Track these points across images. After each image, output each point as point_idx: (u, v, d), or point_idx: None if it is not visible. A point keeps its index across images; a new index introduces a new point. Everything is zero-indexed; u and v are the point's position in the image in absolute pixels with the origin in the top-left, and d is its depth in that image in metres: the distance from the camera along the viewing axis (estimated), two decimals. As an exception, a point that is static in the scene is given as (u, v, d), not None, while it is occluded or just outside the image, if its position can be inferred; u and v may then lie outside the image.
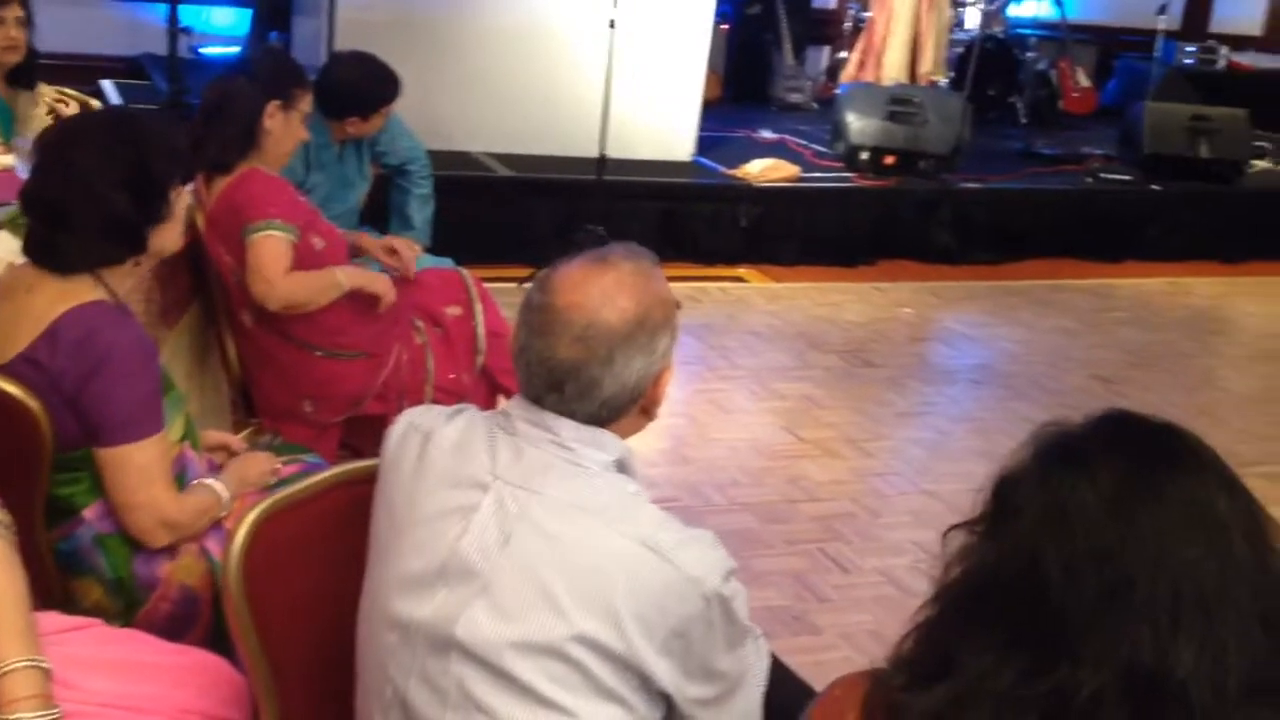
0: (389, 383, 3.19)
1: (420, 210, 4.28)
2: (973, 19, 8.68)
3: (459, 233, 4.68)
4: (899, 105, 6.77)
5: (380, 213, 4.32)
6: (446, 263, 3.79)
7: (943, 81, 8.17)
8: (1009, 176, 7.19)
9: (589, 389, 1.53)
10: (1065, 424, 1.18)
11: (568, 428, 1.54)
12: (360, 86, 3.82)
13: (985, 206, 6.83)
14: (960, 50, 8.50)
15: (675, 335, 1.60)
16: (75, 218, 1.99)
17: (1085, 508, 1.09)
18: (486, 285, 3.55)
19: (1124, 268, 6.91)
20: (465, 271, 3.57)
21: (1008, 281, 6.52)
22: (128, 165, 2.02)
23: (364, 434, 3.24)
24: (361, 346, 3.13)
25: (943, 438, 4.53)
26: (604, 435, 1.56)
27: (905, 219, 6.69)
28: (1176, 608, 1.05)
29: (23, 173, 2.97)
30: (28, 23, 3.61)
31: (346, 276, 3.04)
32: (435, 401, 3.20)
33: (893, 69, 7.94)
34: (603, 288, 1.53)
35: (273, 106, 2.97)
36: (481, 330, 3.38)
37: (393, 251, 3.38)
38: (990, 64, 8.44)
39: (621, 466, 1.58)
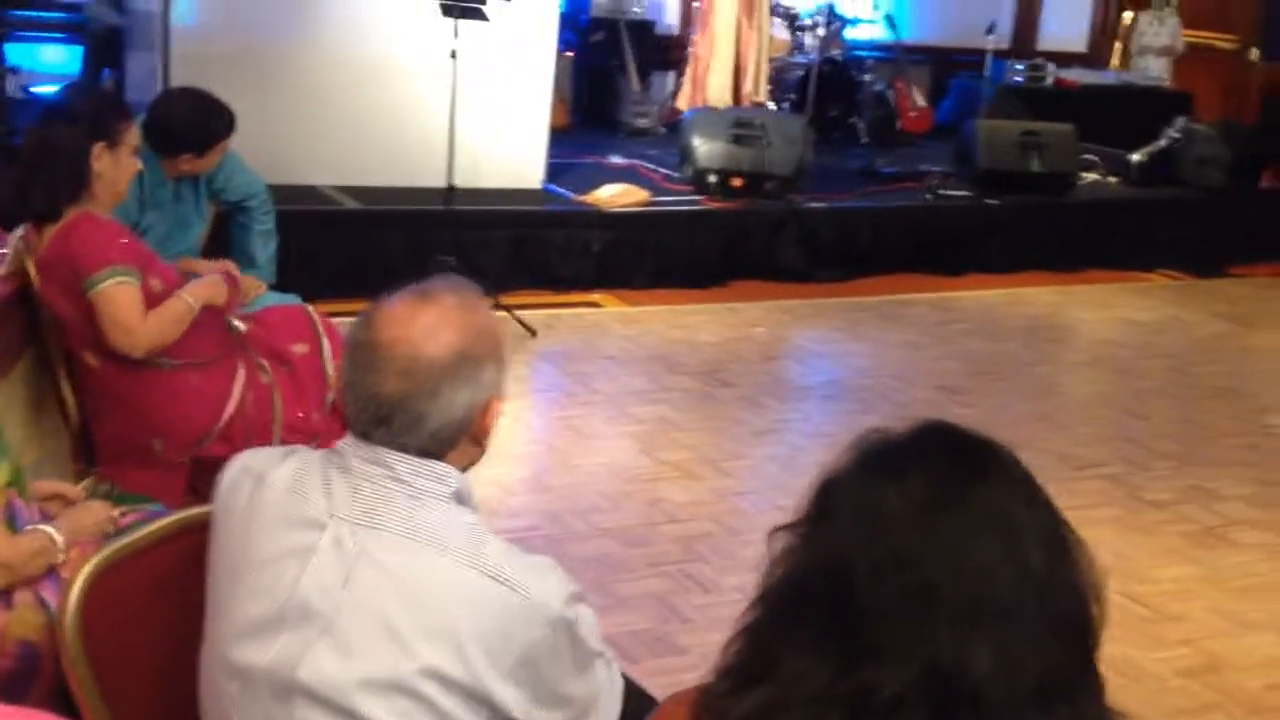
0: (234, 424, 3.12)
1: (263, 247, 4.20)
2: (811, 43, 8.91)
3: (307, 268, 4.62)
4: (742, 129, 6.90)
5: (223, 251, 4.22)
6: (292, 299, 3.73)
7: (770, 105, 8.36)
8: (852, 195, 7.39)
9: (416, 422, 1.54)
10: (887, 431, 1.22)
11: (401, 461, 1.55)
12: (194, 123, 3.74)
13: (830, 225, 6.99)
14: (800, 74, 8.71)
15: (502, 366, 1.62)
16: None
17: (894, 512, 1.13)
18: (338, 320, 3.50)
19: (965, 280, 7.15)
20: (310, 308, 3.52)
21: (855, 298, 6.68)
22: None
23: (209, 479, 3.16)
24: (203, 357, 3.07)
25: (796, 453, 4.62)
26: (438, 466, 1.57)
27: (754, 240, 6.81)
28: (974, 611, 1.09)
29: None
30: None
31: (192, 296, 3.01)
32: (284, 442, 3.15)
33: (716, 92, 8.10)
34: (426, 322, 1.55)
35: (99, 148, 2.89)
36: (330, 367, 3.33)
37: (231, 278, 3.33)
38: (830, 86, 8.67)
39: (459, 497, 1.59)
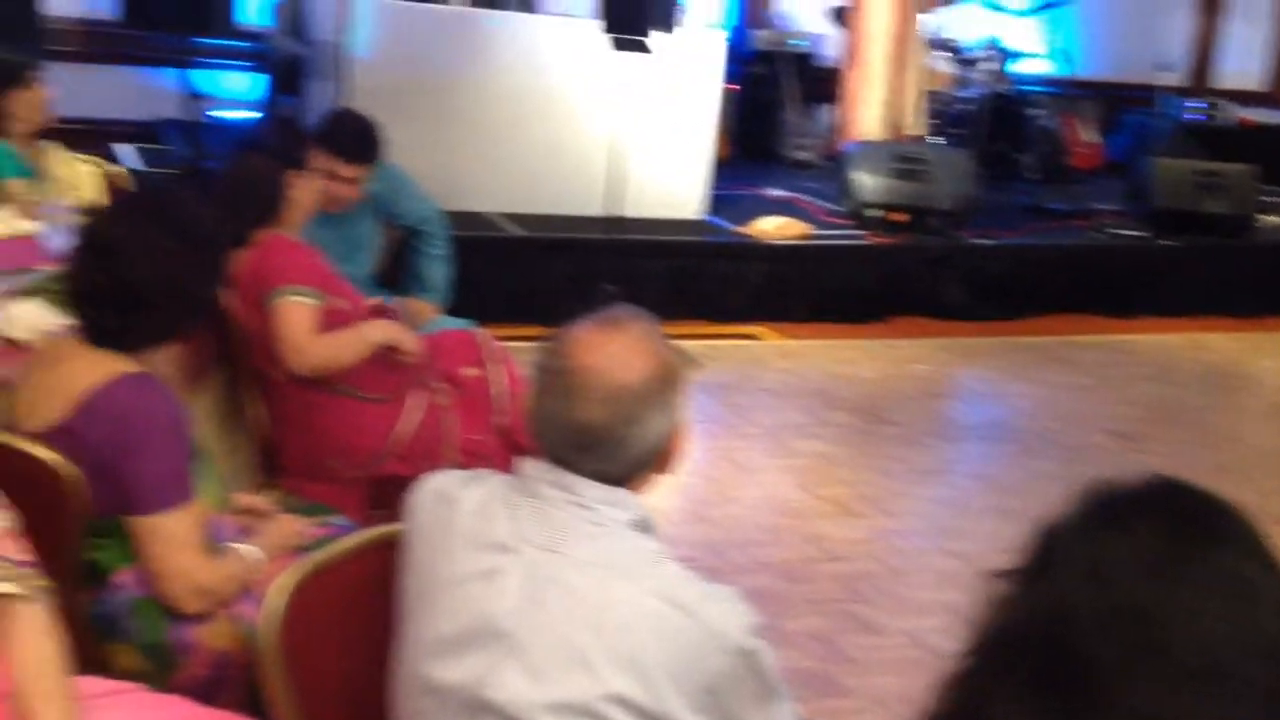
0: (411, 444, 3.19)
1: (437, 271, 4.28)
2: (976, 77, 8.77)
3: (474, 293, 4.70)
4: (906, 162, 6.81)
5: (398, 275, 4.34)
6: (464, 324, 3.80)
7: (932, 138, 8.25)
8: (1018, 232, 7.22)
9: (614, 450, 1.56)
10: (1115, 482, 1.18)
11: (588, 488, 1.57)
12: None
13: (996, 262, 6.85)
14: (965, 107, 8.58)
15: (684, 393, 1.64)
16: (162, 304, 2.03)
17: (1124, 566, 1.09)
18: (502, 345, 3.56)
19: (1137, 323, 6.91)
20: (480, 331, 3.58)
21: (1020, 338, 6.52)
22: (204, 249, 2.07)
23: (387, 496, 3.24)
24: (383, 392, 3.13)
25: (960, 495, 4.51)
26: (624, 494, 1.59)
27: (916, 275, 6.71)
28: (1201, 672, 1.05)
29: (50, 239, 3.00)
30: None
31: (375, 331, 3.07)
32: (456, 462, 3.21)
33: (870, 125, 8.02)
34: (617, 349, 1.57)
35: (291, 176, 3.01)
36: (499, 390, 3.38)
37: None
38: (995, 120, 8.51)
39: (642, 525, 1.60)
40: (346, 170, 3.70)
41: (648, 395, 1.56)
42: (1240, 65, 10.71)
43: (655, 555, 1.56)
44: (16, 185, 3.47)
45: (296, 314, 2.93)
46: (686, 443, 1.65)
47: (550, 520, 1.55)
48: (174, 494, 2.00)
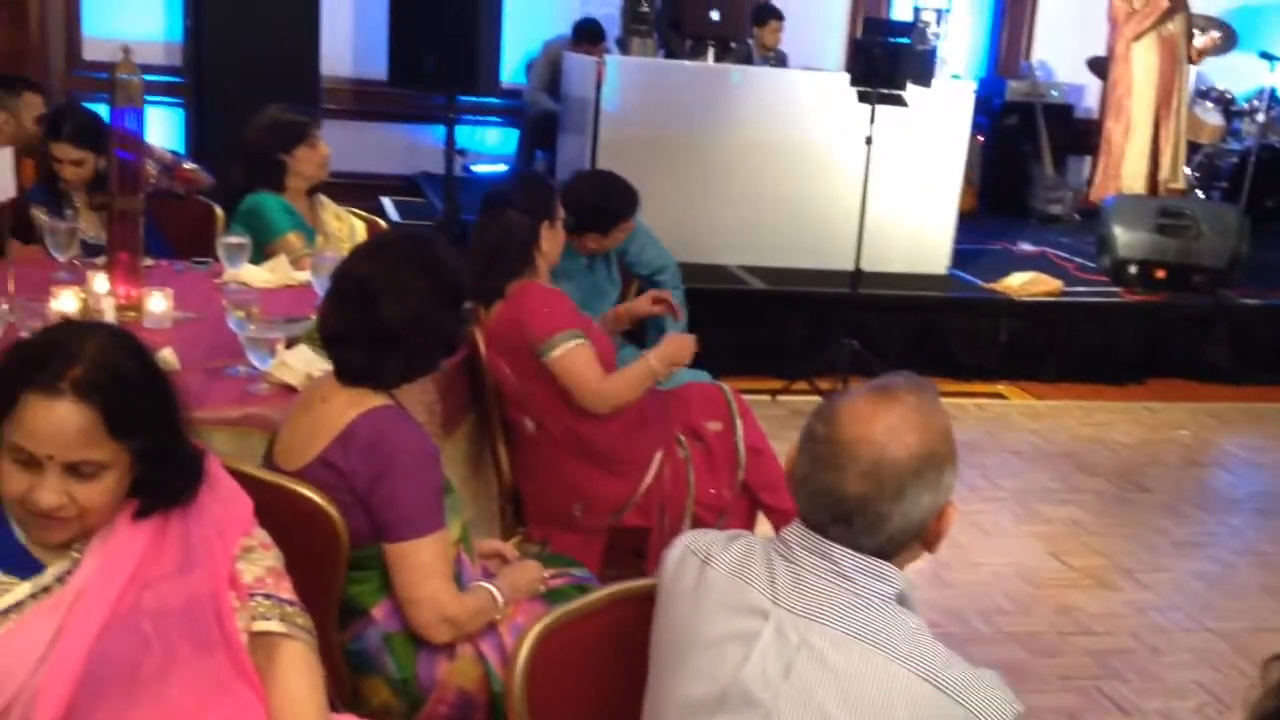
0: (650, 495, 3.20)
1: (673, 321, 4.32)
2: (1248, 128, 8.30)
3: (712, 345, 4.70)
4: (1169, 218, 6.50)
5: (635, 324, 4.39)
6: (705, 376, 3.81)
7: (1198, 193, 7.83)
8: (1292, 291, 6.78)
9: (876, 524, 1.52)
10: None
11: (849, 558, 1.53)
12: (599, 205, 3.93)
13: (1266, 323, 6.44)
14: (1234, 160, 8.13)
15: (957, 469, 1.57)
16: (410, 341, 2.11)
17: None
18: (745, 398, 3.54)
19: None
20: (726, 386, 3.58)
21: (1292, 404, 6.10)
22: (450, 289, 2.15)
23: (625, 546, 3.27)
24: (634, 460, 3.18)
25: (1226, 571, 4.23)
26: (885, 567, 1.54)
27: (1178, 336, 6.38)
28: None
29: (321, 288, 3.16)
30: None
31: (657, 360, 3.14)
32: (695, 516, 3.21)
33: (1130, 179, 7.67)
34: (889, 422, 1.52)
35: (543, 227, 3.11)
36: (742, 446, 3.36)
37: (658, 300, 3.41)
38: (1268, 174, 8.03)
39: (902, 599, 1.55)
40: (591, 240, 3.90)
41: (917, 471, 1.51)
42: None
43: (914, 631, 1.51)
44: (293, 238, 3.68)
45: (581, 356, 3.02)
46: (953, 520, 1.59)
47: (809, 588, 1.53)
48: (426, 521, 2.06)
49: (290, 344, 2.69)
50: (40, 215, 3.73)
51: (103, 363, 1.56)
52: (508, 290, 3.08)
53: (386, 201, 7.27)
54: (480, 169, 8.02)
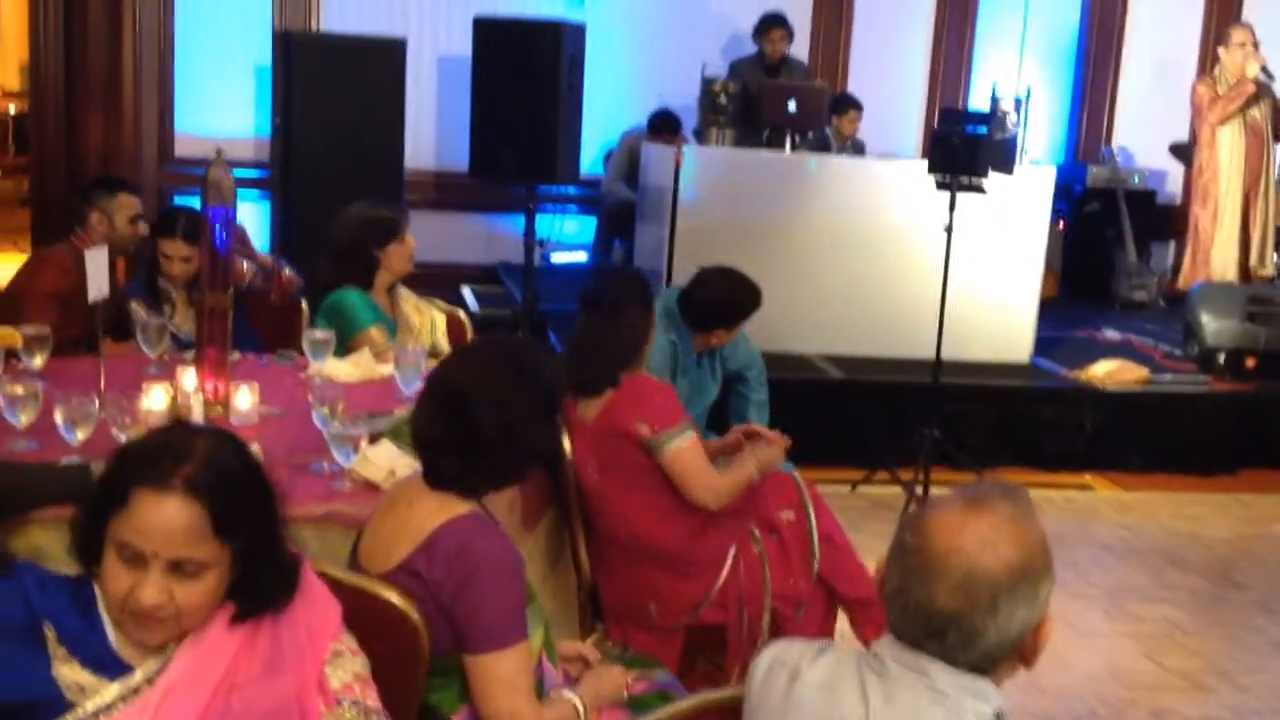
0: (726, 591, 3.16)
1: (759, 415, 4.32)
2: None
3: (791, 434, 4.66)
4: (1259, 305, 6.38)
5: (721, 418, 4.38)
6: (783, 465, 3.76)
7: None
8: (1389, 380, 6.57)
9: (971, 639, 1.47)
10: None
11: (944, 674, 1.48)
12: (732, 301, 3.94)
13: (1364, 413, 6.24)
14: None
15: (1054, 581, 1.52)
16: (502, 450, 2.10)
17: None
18: (818, 488, 3.50)
19: None
20: (797, 474, 3.54)
21: (1395, 496, 5.88)
22: (544, 398, 2.16)
23: (704, 644, 3.22)
24: (703, 559, 3.14)
25: (1331, 674, 4.06)
26: (982, 684, 1.50)
27: (1271, 425, 6.21)
28: None
29: (404, 383, 3.19)
30: None
31: (753, 464, 3.19)
32: (774, 610, 3.16)
33: (1220, 267, 7.53)
34: (981, 533, 1.48)
35: (651, 319, 3.16)
36: (815, 534, 3.32)
37: (752, 435, 3.42)
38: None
39: (998, 717, 1.50)
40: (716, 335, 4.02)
41: (1012, 585, 1.46)
42: None
43: None
44: (375, 332, 3.72)
45: (693, 452, 3.06)
46: (1051, 635, 1.53)
47: (900, 703, 1.49)
48: (508, 633, 2.04)
49: (373, 439, 2.70)
50: (139, 309, 3.82)
51: (212, 462, 1.61)
52: (621, 378, 3.10)
53: (466, 291, 7.34)
54: (559, 258, 8.09)
